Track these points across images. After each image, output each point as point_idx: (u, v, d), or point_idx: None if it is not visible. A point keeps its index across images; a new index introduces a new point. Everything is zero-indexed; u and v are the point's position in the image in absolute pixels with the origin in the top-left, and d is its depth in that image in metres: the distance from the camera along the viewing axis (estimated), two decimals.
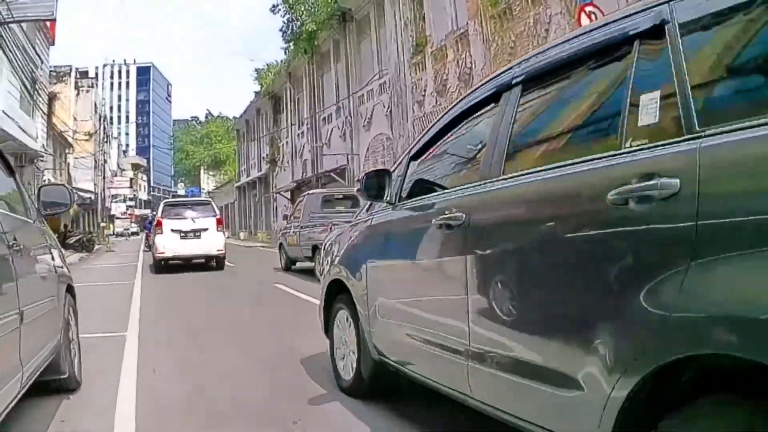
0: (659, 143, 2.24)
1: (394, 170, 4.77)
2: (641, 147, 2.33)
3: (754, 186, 1.88)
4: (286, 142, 47.49)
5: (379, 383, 4.98)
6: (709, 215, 1.96)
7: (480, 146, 3.78)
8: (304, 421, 4.58)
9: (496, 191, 3.24)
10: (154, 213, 37.96)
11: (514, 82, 3.39)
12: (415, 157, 4.65)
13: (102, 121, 52.39)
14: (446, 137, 4.36)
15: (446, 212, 3.58)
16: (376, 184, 4.55)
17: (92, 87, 57.60)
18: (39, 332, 4.25)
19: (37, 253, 4.81)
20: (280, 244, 20.03)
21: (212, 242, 20.30)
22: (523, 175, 3.09)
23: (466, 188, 3.57)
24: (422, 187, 4.34)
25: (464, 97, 4.16)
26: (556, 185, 2.77)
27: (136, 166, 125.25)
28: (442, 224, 3.62)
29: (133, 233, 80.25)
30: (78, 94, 55.82)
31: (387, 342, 4.59)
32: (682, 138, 2.14)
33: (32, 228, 5.07)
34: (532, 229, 2.95)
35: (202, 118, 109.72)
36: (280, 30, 38.57)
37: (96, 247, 39.90)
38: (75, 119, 52.22)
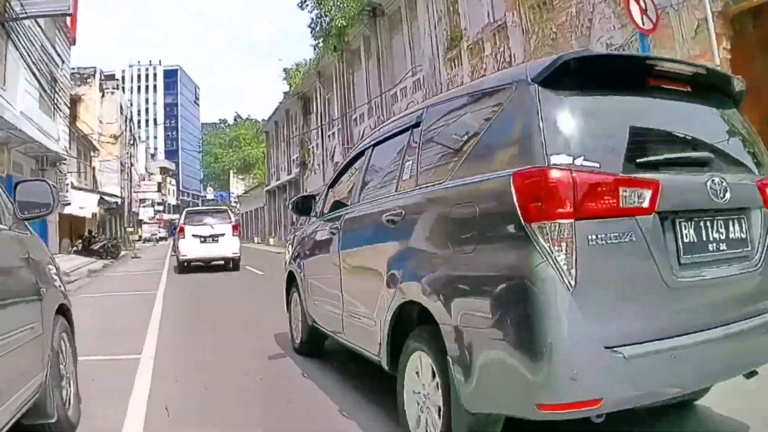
0: (405, 191, 4.39)
1: (318, 195, 7.00)
2: (400, 192, 4.49)
3: (439, 212, 3.93)
4: (317, 144, 46.02)
5: (312, 342, 7.00)
6: (413, 226, 4.13)
7: (354, 183, 5.77)
8: (266, 373, 6.56)
9: (354, 211, 5.44)
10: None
11: (367, 145, 5.74)
12: (331, 187, 6.75)
13: (128, 123, 51.16)
14: (342, 177, 6.53)
15: (335, 222, 5.80)
16: (304, 205, 7.02)
17: (117, 89, 56.55)
18: (7, 373, 3.48)
19: (9, 268, 3.93)
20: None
21: (228, 246, 22.25)
22: (362, 203, 5.31)
23: (344, 209, 5.74)
24: (334, 206, 6.27)
25: (350, 153, 6.65)
26: (373, 210, 4.88)
27: (164, 170, 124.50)
28: (331, 229, 5.88)
29: (161, 238, 79.08)
30: (103, 96, 54.74)
31: (313, 311, 6.62)
32: (412, 189, 4.28)
33: (3, 237, 4.10)
34: (365, 235, 5.03)
35: (231, 121, 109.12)
36: (309, 26, 37.09)
37: (122, 253, 38.69)
38: (100, 122, 51.14)
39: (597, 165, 3.09)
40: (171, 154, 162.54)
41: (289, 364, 6.84)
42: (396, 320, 4.25)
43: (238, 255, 22.60)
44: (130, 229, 47.00)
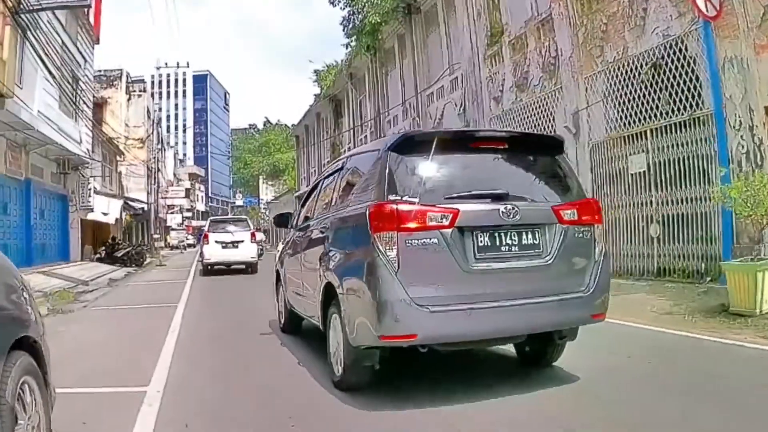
0: (332, 212, 6.82)
1: (295, 211, 9.77)
2: (330, 213, 6.92)
3: (339, 226, 6.38)
4: (349, 148, 44.43)
5: (291, 323, 9.36)
6: (331, 235, 6.57)
7: (312, 205, 8.37)
8: (258, 351, 8.62)
9: (311, 224, 7.74)
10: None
11: (320, 179, 8.38)
12: (302, 206, 9.23)
13: (155, 126, 49.90)
14: (308, 199, 8.84)
15: (301, 232, 8.30)
16: (284, 219, 9.93)
17: (144, 91, 55.46)
18: None
19: None
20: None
21: (247, 251, 24.71)
22: (315, 219, 7.68)
23: (306, 222, 8.26)
24: (303, 220, 8.64)
25: (312, 184, 9.59)
26: (318, 224, 7.27)
27: (193, 176, 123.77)
28: (298, 237, 8.43)
29: (189, 245, 77.92)
30: (129, 99, 53.70)
31: (290, 298, 8.98)
32: (334, 211, 6.76)
33: None
34: (313, 241, 7.23)
35: (261, 126, 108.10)
36: (341, 24, 35.45)
37: (147, 260, 37.37)
38: (126, 125, 50.07)
39: (416, 200, 5.12)
40: (200, 160, 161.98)
41: (273, 339, 9.30)
42: (324, 296, 6.37)
43: (256, 259, 25.07)
44: (156, 236, 45.73)
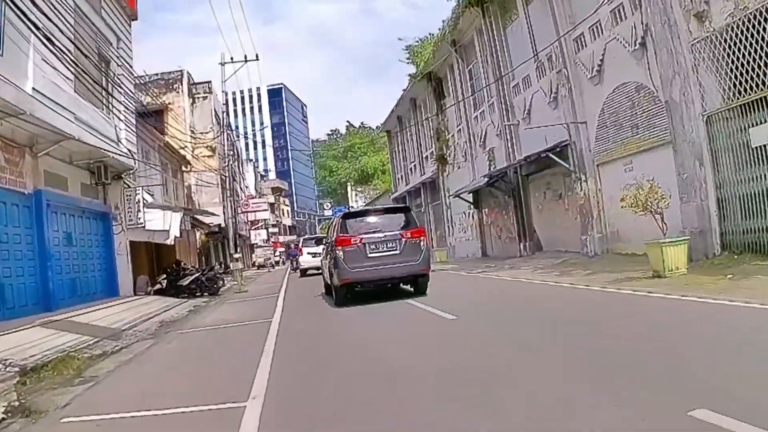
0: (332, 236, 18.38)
1: (327, 236, 22.44)
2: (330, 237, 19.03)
3: (328, 243, 19.99)
4: (459, 131, 36.26)
5: (327, 291, 18.95)
6: (328, 246, 19.27)
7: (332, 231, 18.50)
8: (326, 310, 15.58)
9: (330, 241, 17.83)
10: (298, 242, 52.92)
11: (336, 218, 20.00)
12: (327, 236, 23.32)
13: (224, 128, 42.59)
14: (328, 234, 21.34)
15: (327, 246, 19.54)
16: (319, 242, 33.60)
17: (210, 92, 48.47)
18: None
19: None
20: None
21: None
22: (327, 241, 20.70)
23: (326, 242, 21.74)
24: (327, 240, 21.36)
25: (326, 231, 30.47)
26: (327, 243, 20.13)
27: (276, 190, 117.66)
28: (327, 247, 19.23)
29: (277, 263, 71.08)
30: (193, 102, 46.98)
31: (325, 277, 19.35)
32: (329, 239, 20.28)
33: None
34: (327, 248, 19.43)
35: (343, 132, 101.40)
36: None
37: (226, 285, 29.84)
38: (192, 132, 43.12)
39: (350, 235, 15.62)
40: (282, 174, 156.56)
41: (320, 299, 18.15)
42: (329, 268, 17.40)
43: None
44: (237, 255, 38.56)
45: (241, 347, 10.84)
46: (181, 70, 46.69)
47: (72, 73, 18.11)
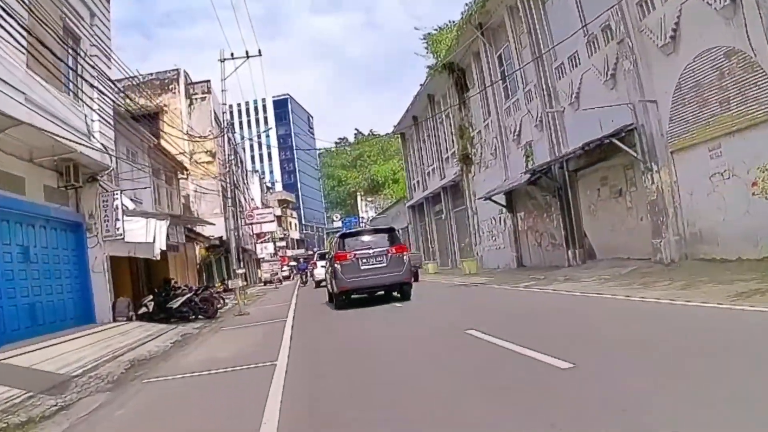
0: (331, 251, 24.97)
1: (330, 250, 28.66)
2: (329, 254, 27.20)
3: (328, 257, 27.54)
4: (486, 126, 32.36)
5: (330, 299, 21.83)
6: (329, 260, 24.85)
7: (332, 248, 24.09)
8: (327, 311, 19.25)
9: (331, 256, 22.79)
10: (309, 254, 59.51)
11: (337, 238, 22.19)
12: (329, 251, 27.61)
13: (224, 131, 38.50)
14: (333, 247, 23.42)
15: (328, 260, 25.68)
16: (323, 256, 39.48)
17: (209, 92, 45.25)
18: None
19: None
20: None
21: None
22: (328, 256, 27.25)
23: (328, 256, 27.63)
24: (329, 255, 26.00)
25: (330, 249, 32.56)
26: (329, 258, 25.97)
27: (283, 203, 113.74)
28: (330, 261, 22.91)
29: (285, 278, 67.05)
30: (191, 104, 43.18)
31: (329, 286, 22.38)
32: (329, 254, 27.18)
33: None
34: (328, 261, 25.53)
35: (351, 140, 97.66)
36: None
37: (227, 305, 25.99)
38: (190, 136, 39.21)
39: (347, 251, 19.23)
40: (289, 187, 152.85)
41: (325, 306, 21.24)
42: (329, 278, 21.68)
43: None
44: (240, 271, 34.68)
45: (235, 399, 6.94)
46: (177, 69, 42.95)
47: (22, 46, 14.29)
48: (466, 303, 17.58)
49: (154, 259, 19.68)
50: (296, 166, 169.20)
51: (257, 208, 59.16)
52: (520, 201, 29.06)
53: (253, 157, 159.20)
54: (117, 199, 19.15)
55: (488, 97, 31.28)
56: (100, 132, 18.98)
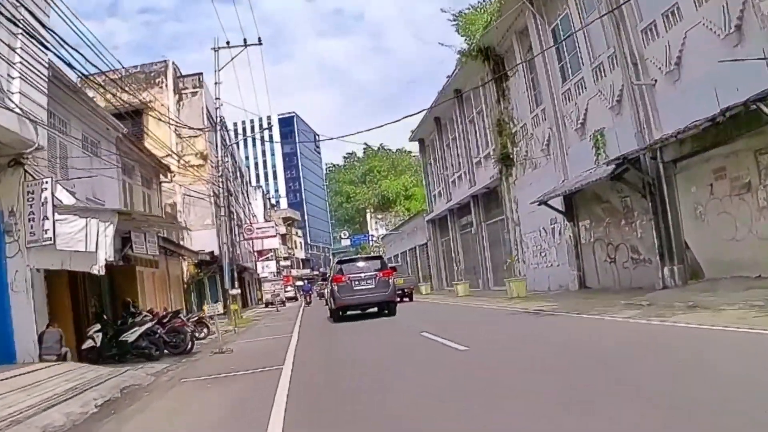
0: (329, 274, 33.53)
1: (330, 271, 34.43)
2: (328, 276, 37.94)
3: (326, 277, 48.15)
4: (535, 117, 26.64)
5: (331, 316, 25.08)
6: (328, 281, 36.31)
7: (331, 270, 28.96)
8: (327, 324, 23.34)
9: (330, 277, 28.51)
10: (315, 275, 70.73)
11: (337, 264, 25.82)
12: (330, 274, 29.43)
13: (219, 129, 32.72)
14: (332, 270, 28.38)
15: (327, 281, 34.96)
16: (325, 277, 58.49)
17: (201, 86, 39.33)
18: None
19: None
20: None
21: None
22: (330, 276, 28.73)
23: (327, 277, 38.13)
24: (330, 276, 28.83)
25: (330, 270, 33.72)
26: (328, 277, 37.09)
27: (288, 221, 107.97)
28: (329, 282, 27.91)
29: (289, 299, 61.28)
30: (180, 100, 37.54)
31: (329, 303, 26.33)
32: (328, 276, 38.59)
33: None
34: (328, 283, 34.20)
35: (360, 155, 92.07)
36: None
37: (208, 337, 20.22)
38: (179, 136, 33.59)
39: (342, 275, 23.48)
40: (294, 207, 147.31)
41: (327, 321, 24.55)
42: (329, 296, 26.90)
43: None
44: (234, 292, 29.07)
45: None
46: (165, 61, 37.42)
47: None
48: (576, 360, 9.45)
49: (97, 274, 13.70)
50: (302, 185, 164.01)
51: (256, 222, 53.22)
52: (584, 206, 23.18)
53: (257, 176, 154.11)
54: (46, 189, 13.42)
55: (539, 81, 25.56)
56: (22, 94, 13.26)
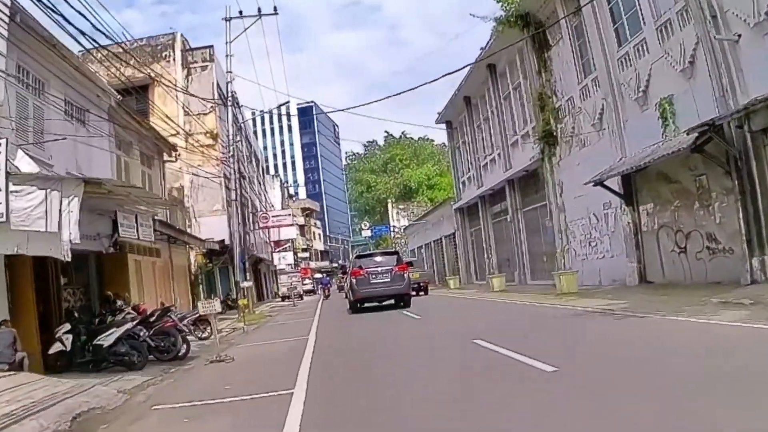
0: (347, 270, 39.77)
1: (348, 266, 36.79)
2: (347, 269, 38.92)
3: (345, 271, 44.56)
4: (584, 89, 23.62)
5: (350, 307, 26.70)
6: (348, 275, 35.50)
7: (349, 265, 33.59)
8: (346, 315, 24.81)
9: (348, 270, 32.54)
10: (335, 267, 71.23)
11: (354, 259, 29.62)
12: (350, 267, 30.58)
13: (230, 105, 29.95)
14: (349, 264, 35.92)
15: (347, 274, 34.80)
16: (343, 270, 49.06)
17: (211, 60, 36.52)
18: None
19: None
20: None
21: None
22: (348, 270, 32.33)
23: (347, 271, 36.52)
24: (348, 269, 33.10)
25: (350, 264, 35.38)
26: (348, 273, 33.26)
27: (306, 211, 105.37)
28: (348, 275, 31.21)
29: (307, 292, 58.72)
30: (188, 75, 34.88)
31: (347, 295, 29.59)
32: (348, 269, 38.11)
33: None
34: (347, 276, 34.92)
35: (381, 144, 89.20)
36: None
37: (211, 338, 16.78)
38: (187, 113, 30.85)
39: (360, 269, 25.10)
40: (313, 198, 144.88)
41: (345, 312, 26.32)
42: (348, 289, 29.58)
43: None
44: (246, 284, 26.46)
45: None
46: (173, 33, 34.77)
47: None
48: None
49: (62, 259, 10.88)
50: (321, 175, 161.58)
51: (272, 209, 50.42)
52: (647, 187, 20.03)
53: (276, 166, 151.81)
54: (0, 152, 10.62)
55: (589, 47, 22.54)
56: None
